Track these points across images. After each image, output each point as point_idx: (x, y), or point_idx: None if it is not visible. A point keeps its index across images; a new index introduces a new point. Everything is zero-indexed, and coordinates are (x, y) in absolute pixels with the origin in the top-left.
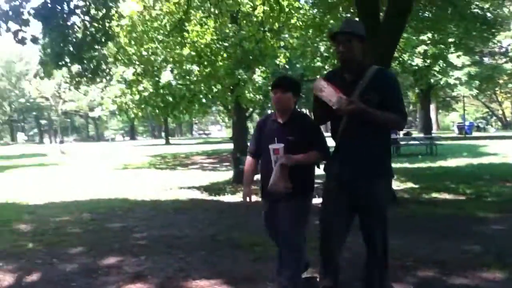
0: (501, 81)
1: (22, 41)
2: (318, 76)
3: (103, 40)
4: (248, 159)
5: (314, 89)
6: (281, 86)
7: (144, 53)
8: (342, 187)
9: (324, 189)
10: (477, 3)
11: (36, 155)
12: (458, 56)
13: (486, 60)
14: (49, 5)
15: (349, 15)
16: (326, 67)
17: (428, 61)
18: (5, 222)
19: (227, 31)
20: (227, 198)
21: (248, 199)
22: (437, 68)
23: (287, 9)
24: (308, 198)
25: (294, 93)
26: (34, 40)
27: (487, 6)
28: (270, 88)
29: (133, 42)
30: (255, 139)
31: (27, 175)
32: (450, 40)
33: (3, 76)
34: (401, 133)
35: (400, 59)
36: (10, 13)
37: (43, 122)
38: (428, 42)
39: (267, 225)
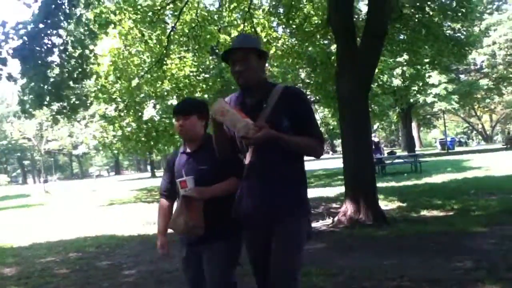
0: (479, 96)
1: None
2: (219, 98)
3: (79, 77)
4: (161, 201)
5: (214, 113)
6: (182, 111)
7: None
8: (254, 228)
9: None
10: (449, 24)
11: (19, 196)
12: (430, 77)
13: (462, 77)
14: (27, 45)
15: (326, 41)
16: (308, 92)
17: (407, 82)
18: None
19: (208, 63)
20: None
21: (163, 250)
22: (415, 87)
23: (265, 40)
24: (238, 237)
25: (199, 115)
26: (10, 77)
27: (458, 26)
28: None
29: (114, 79)
30: (167, 177)
31: (11, 217)
32: (426, 60)
33: None
34: (386, 152)
35: (379, 81)
36: None
37: (26, 162)
38: (405, 63)
39: (187, 275)
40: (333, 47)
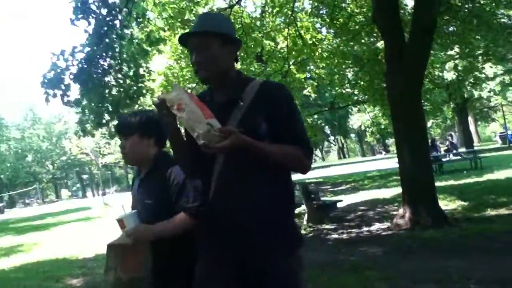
0: None
1: (68, 104)
2: (175, 83)
3: (136, 95)
4: None
5: (170, 104)
6: (120, 131)
7: None
8: (223, 269)
9: (198, 275)
10: (503, 11)
11: (80, 209)
12: (483, 68)
13: None
14: (85, 68)
15: (372, 39)
16: (355, 92)
17: (460, 74)
18: (58, 279)
19: (253, 69)
20: None
21: None
22: (470, 80)
23: (310, 42)
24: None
25: (142, 134)
26: (77, 103)
27: None
28: None
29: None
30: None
31: (74, 230)
32: (479, 52)
33: (45, 137)
34: (442, 149)
35: (431, 76)
36: (55, 81)
37: (84, 176)
38: (457, 56)
39: None
40: (380, 44)
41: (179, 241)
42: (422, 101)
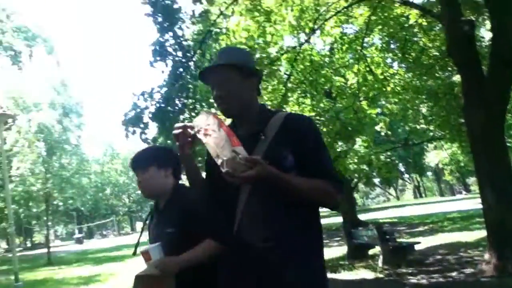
0: None
1: (146, 141)
2: (205, 110)
3: None
4: None
5: (196, 128)
6: (136, 165)
7: None
8: None
9: None
10: None
11: None
12: None
13: None
14: (163, 108)
15: (447, 73)
16: (431, 128)
17: None
18: None
19: (322, 105)
20: (344, 275)
21: None
22: None
23: (381, 77)
24: None
25: (158, 165)
26: (154, 140)
27: None
28: (371, 156)
29: None
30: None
31: None
32: None
33: (122, 172)
34: None
35: None
36: (135, 119)
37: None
38: None
39: None
40: (456, 78)
41: (202, 269)
42: (505, 137)
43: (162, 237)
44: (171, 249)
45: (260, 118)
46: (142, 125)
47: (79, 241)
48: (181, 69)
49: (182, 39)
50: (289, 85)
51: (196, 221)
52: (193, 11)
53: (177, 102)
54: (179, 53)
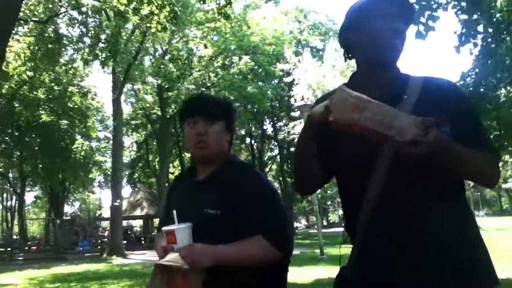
0: None
1: None
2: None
3: None
4: (158, 238)
5: (335, 110)
6: (204, 111)
7: None
8: None
9: None
10: None
11: None
12: None
13: None
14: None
15: None
16: None
17: None
18: None
19: None
20: None
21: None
22: None
23: None
24: None
25: (227, 123)
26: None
27: None
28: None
29: None
30: (165, 209)
31: None
32: None
33: None
34: None
35: None
36: None
37: None
38: None
39: None
40: None
41: (266, 275)
42: None
43: (195, 217)
44: (207, 236)
45: (397, 81)
46: None
47: None
48: (493, 45)
49: (494, 11)
50: None
51: (255, 209)
52: None
53: (491, 79)
54: (489, 29)
